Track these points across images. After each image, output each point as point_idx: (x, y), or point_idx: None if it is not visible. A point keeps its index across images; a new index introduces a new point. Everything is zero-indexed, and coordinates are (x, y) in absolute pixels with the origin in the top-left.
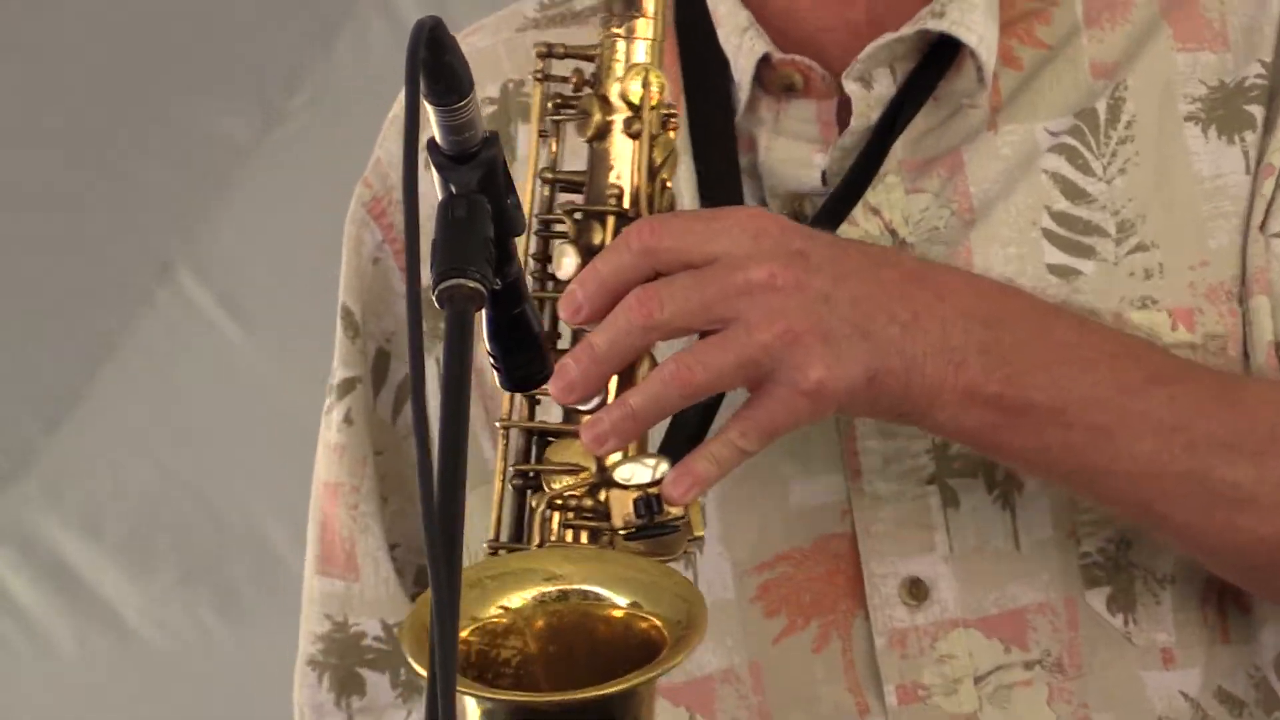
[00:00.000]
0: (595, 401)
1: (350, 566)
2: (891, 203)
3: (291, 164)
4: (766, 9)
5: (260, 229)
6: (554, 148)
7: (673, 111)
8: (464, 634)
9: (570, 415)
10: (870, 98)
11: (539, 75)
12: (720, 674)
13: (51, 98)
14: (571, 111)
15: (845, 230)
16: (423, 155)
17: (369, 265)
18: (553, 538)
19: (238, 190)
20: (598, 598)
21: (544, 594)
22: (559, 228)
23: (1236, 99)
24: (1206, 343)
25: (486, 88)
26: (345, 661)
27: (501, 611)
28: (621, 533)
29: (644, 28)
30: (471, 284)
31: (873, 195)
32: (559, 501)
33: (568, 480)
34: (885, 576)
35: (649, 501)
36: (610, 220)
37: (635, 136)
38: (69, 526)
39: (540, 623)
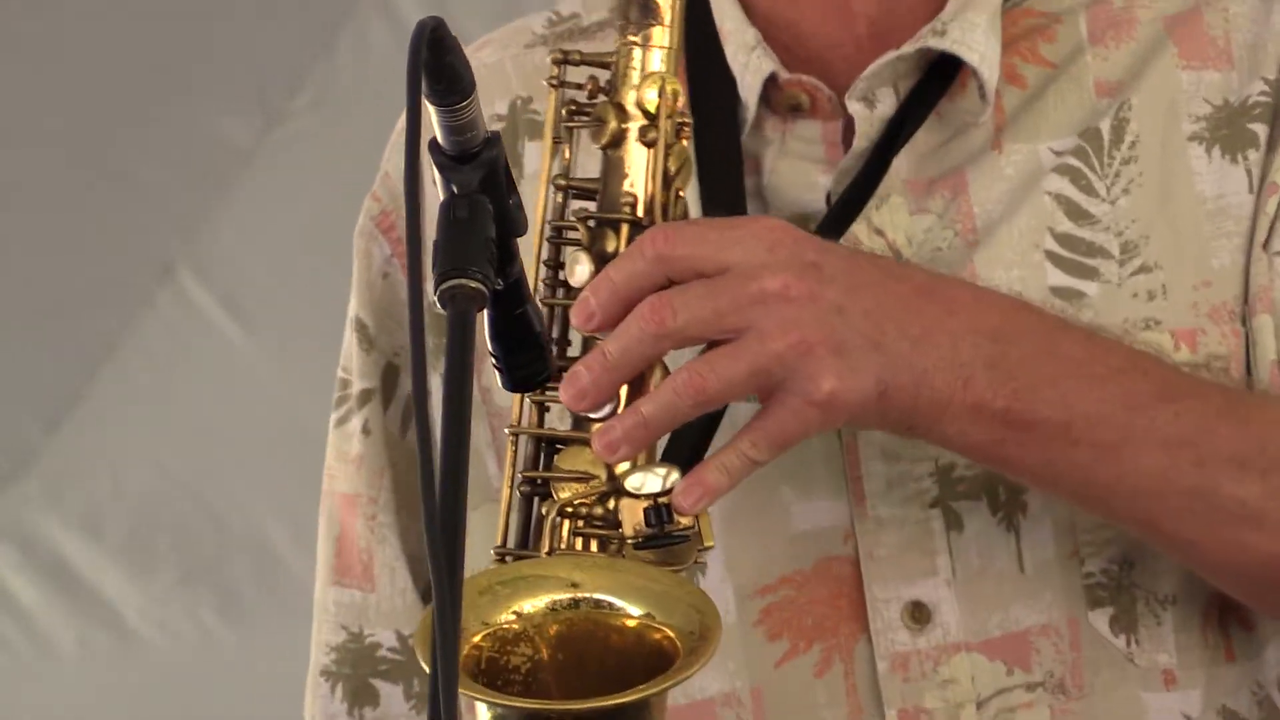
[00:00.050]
0: (606, 409)
1: (367, 577)
2: (896, 224)
3: (292, 165)
4: (774, 26)
5: (261, 230)
6: (567, 155)
7: (687, 120)
8: (475, 639)
9: (580, 423)
10: (873, 118)
11: (554, 82)
12: (722, 698)
13: (51, 98)
14: (586, 119)
15: None
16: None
17: (379, 279)
18: (562, 545)
19: (238, 191)
20: (610, 607)
21: (556, 602)
22: (572, 235)
23: (1240, 118)
24: (1209, 363)
25: (495, 104)
26: (359, 672)
27: (513, 618)
28: (631, 541)
29: (660, 36)
30: (473, 284)
31: (877, 216)
32: (569, 509)
33: (577, 488)
34: (887, 600)
35: (659, 511)
36: (624, 228)
37: (650, 144)
38: (69, 526)
39: (552, 630)
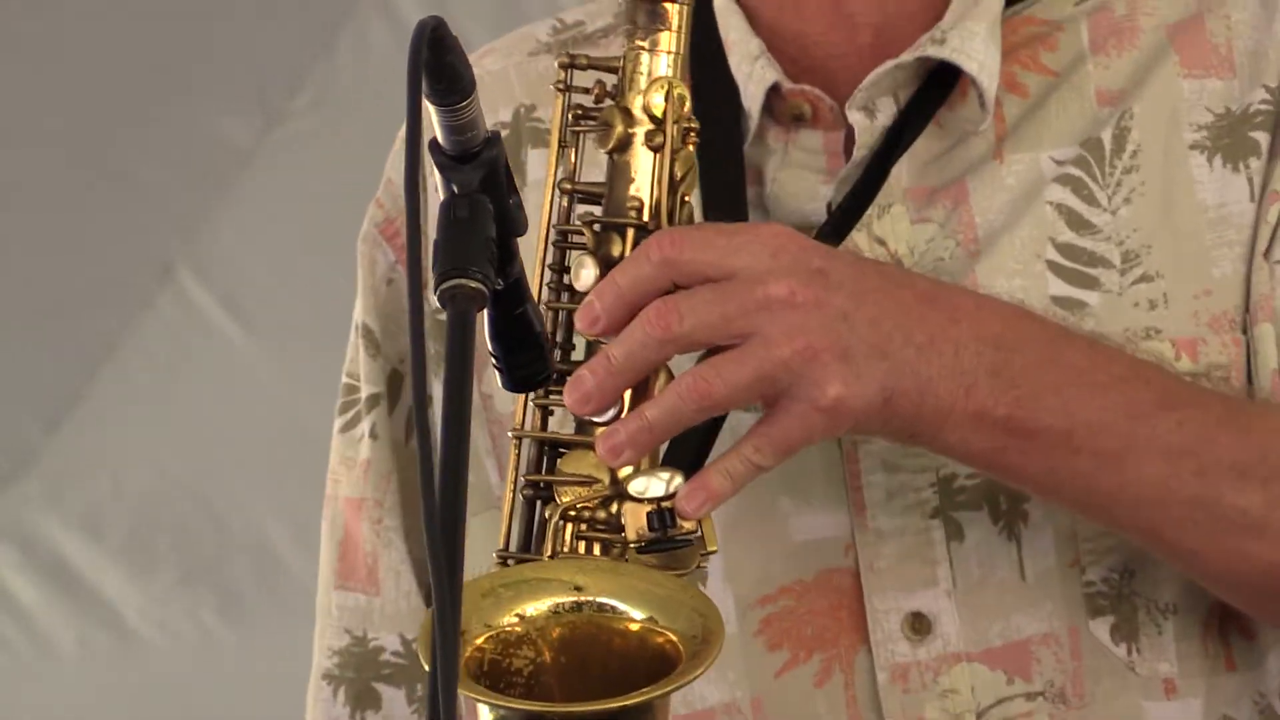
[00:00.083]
0: (610, 413)
1: (372, 581)
2: (897, 233)
3: (292, 165)
4: (778, 37)
5: (261, 230)
6: (572, 159)
7: (694, 126)
8: (478, 641)
9: (583, 427)
10: (874, 128)
11: (560, 86)
12: (722, 708)
13: (51, 98)
14: (592, 123)
15: None
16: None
17: (383, 286)
18: (565, 549)
19: (238, 191)
20: (613, 610)
21: (559, 605)
22: (577, 239)
23: (1242, 126)
24: (1210, 372)
25: (499, 112)
26: (362, 676)
27: (516, 620)
28: (634, 545)
29: (668, 41)
30: (473, 284)
31: (878, 225)
32: (571, 513)
33: (580, 492)
34: (887, 611)
35: (662, 515)
36: (630, 232)
37: (657, 149)
38: (69, 526)
39: (554, 633)
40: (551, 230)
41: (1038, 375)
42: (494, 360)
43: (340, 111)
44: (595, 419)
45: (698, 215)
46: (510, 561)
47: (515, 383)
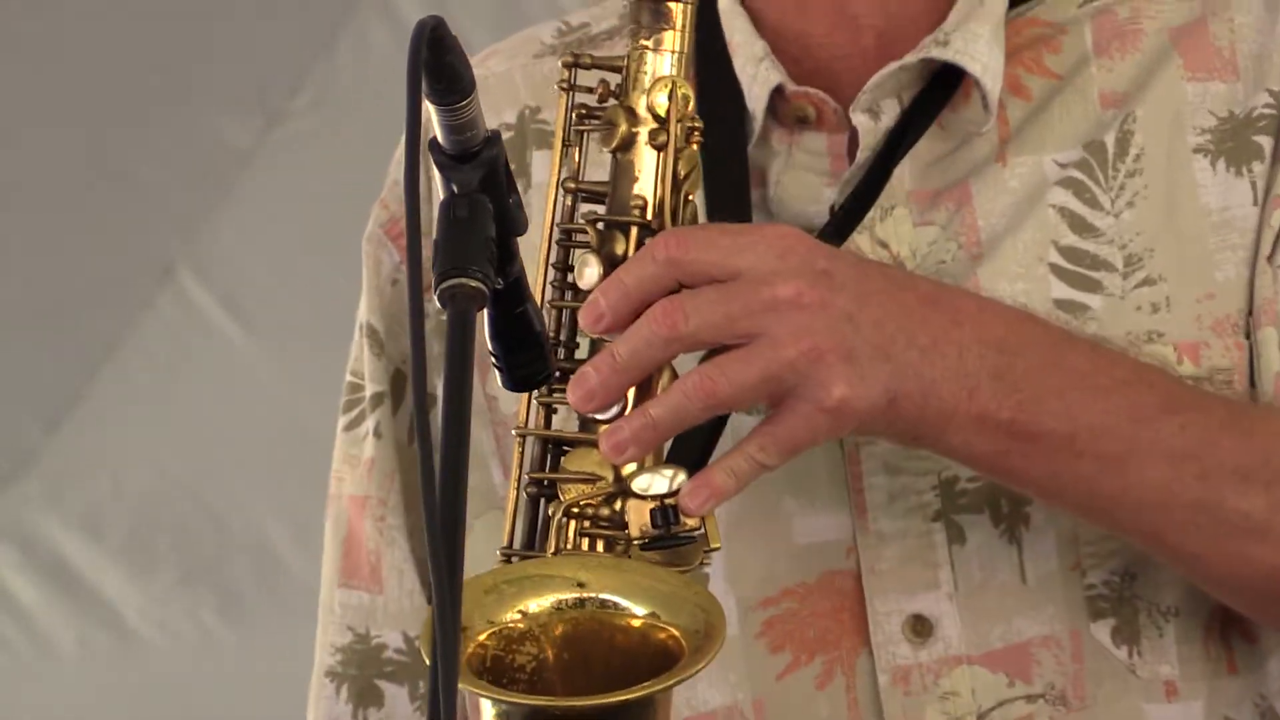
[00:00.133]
0: (613, 411)
1: (375, 579)
2: (900, 236)
3: (293, 165)
4: (782, 39)
5: (261, 231)
6: (576, 158)
7: (698, 125)
8: (481, 638)
9: (587, 425)
10: (878, 130)
11: (564, 85)
12: (724, 710)
13: (51, 98)
14: (596, 122)
15: None
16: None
17: (388, 286)
18: (568, 546)
19: (238, 191)
20: (616, 606)
21: (562, 601)
22: (581, 238)
23: (1245, 130)
24: (1212, 375)
25: (504, 114)
26: (365, 673)
27: (519, 617)
28: (638, 542)
29: (671, 40)
30: (473, 283)
31: (881, 228)
32: (575, 510)
33: (584, 489)
34: (889, 614)
35: (665, 512)
36: (633, 231)
37: (660, 148)
38: (69, 526)
39: (557, 630)
40: (555, 229)
41: (1041, 379)
42: (494, 360)
43: (340, 111)
44: (598, 416)
45: (702, 216)
46: (514, 559)
47: (515, 382)
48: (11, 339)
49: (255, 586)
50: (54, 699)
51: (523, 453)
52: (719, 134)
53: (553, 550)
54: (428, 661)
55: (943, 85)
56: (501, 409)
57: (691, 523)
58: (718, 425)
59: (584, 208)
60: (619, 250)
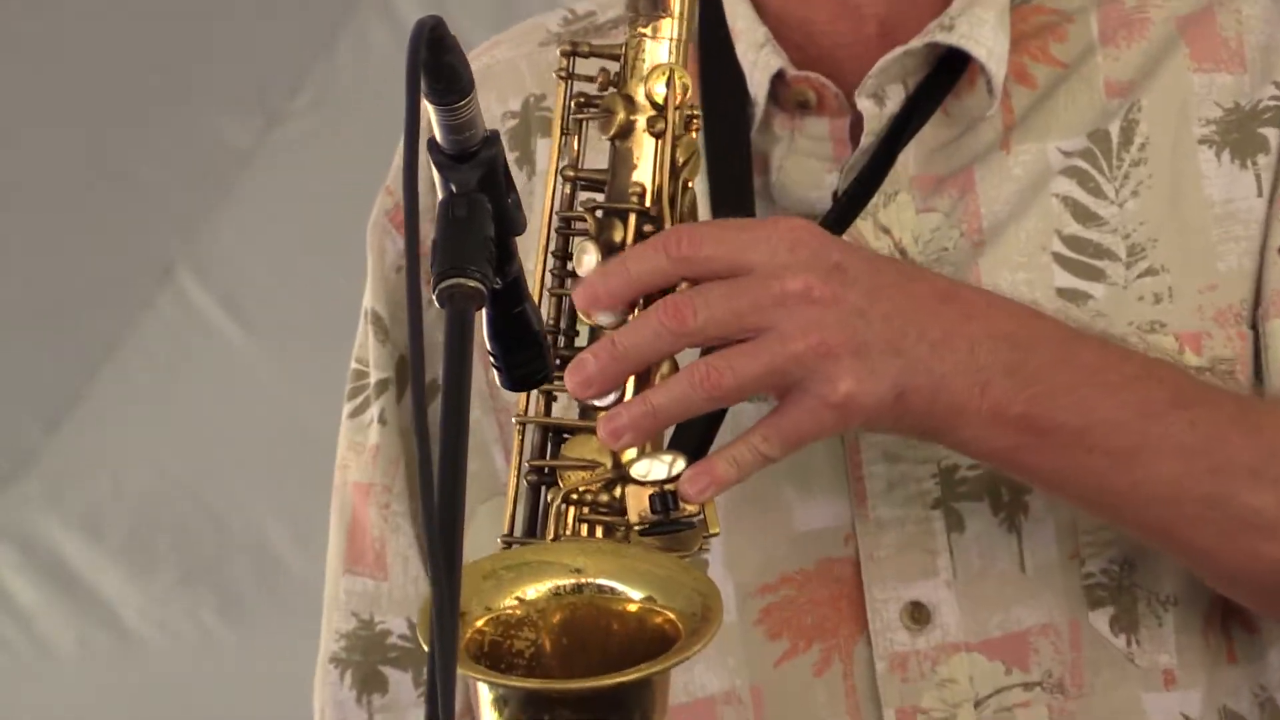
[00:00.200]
0: (611, 398)
1: (380, 566)
2: (902, 222)
3: (293, 166)
4: (785, 25)
5: (261, 231)
6: (575, 146)
7: (696, 112)
8: (479, 624)
9: (587, 412)
10: (882, 115)
11: (563, 74)
12: (722, 696)
13: (51, 98)
14: (594, 110)
15: None
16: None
17: (392, 273)
18: (568, 532)
19: (238, 191)
20: (613, 591)
21: (559, 587)
22: (580, 225)
23: (1251, 122)
24: (1214, 366)
25: (509, 101)
26: (369, 659)
27: (516, 603)
28: (637, 528)
29: (669, 28)
30: (472, 283)
31: (883, 214)
32: (574, 496)
33: (583, 476)
34: (887, 601)
35: (665, 498)
36: (632, 218)
37: (659, 135)
38: (69, 527)
39: (555, 615)
40: (555, 217)
41: (1052, 374)
42: (493, 359)
43: (340, 111)
44: (595, 403)
45: (704, 203)
46: (514, 545)
47: (514, 382)
48: (11, 339)
49: (255, 586)
50: (54, 699)
51: (523, 440)
52: (722, 120)
53: (552, 537)
54: (423, 643)
55: (948, 70)
56: (504, 396)
57: (691, 508)
58: (718, 412)
59: (583, 195)
60: (617, 238)
